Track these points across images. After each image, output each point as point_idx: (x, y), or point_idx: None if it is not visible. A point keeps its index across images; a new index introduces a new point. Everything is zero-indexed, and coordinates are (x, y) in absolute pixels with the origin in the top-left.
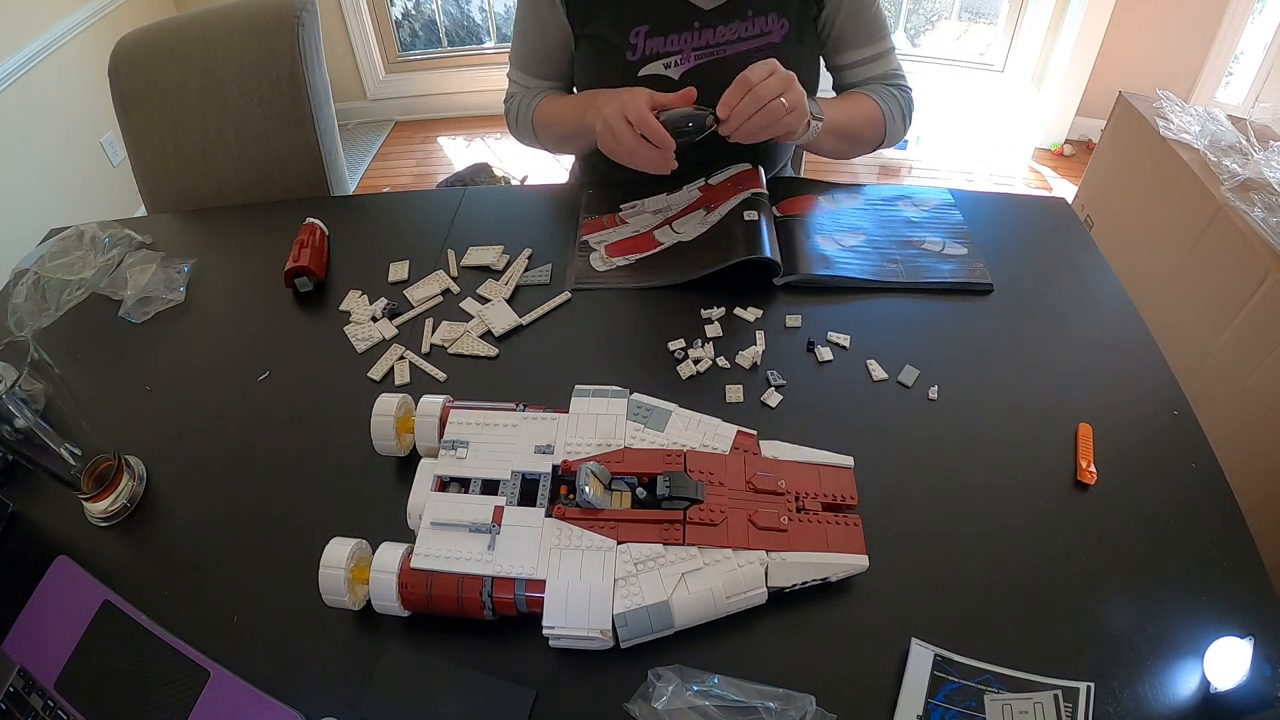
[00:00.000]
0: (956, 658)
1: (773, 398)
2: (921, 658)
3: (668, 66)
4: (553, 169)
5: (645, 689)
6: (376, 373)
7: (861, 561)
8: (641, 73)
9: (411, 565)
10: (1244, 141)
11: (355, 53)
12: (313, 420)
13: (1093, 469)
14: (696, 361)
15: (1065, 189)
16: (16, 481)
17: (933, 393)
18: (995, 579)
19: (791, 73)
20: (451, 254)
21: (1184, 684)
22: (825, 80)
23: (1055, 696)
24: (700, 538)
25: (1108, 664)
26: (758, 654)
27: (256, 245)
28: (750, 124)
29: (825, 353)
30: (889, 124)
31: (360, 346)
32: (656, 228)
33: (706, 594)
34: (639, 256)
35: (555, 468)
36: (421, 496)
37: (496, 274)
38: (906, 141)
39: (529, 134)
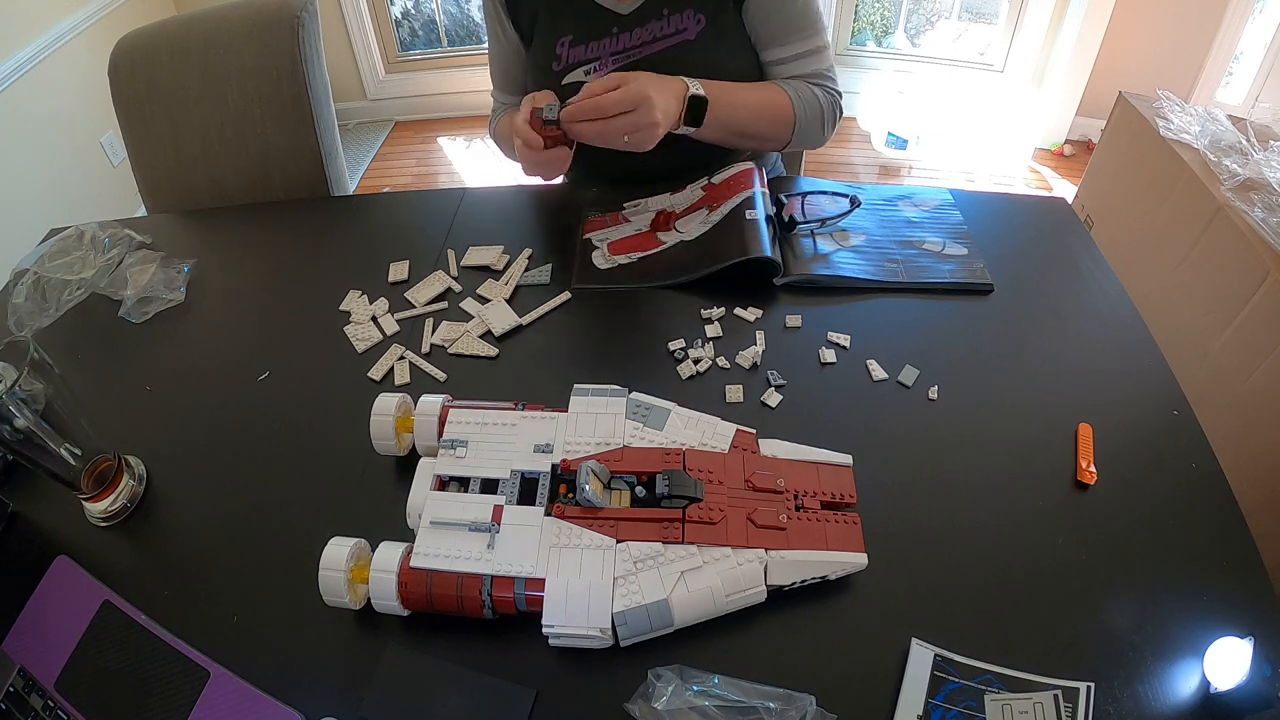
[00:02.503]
0: (956, 658)
1: (773, 398)
2: (921, 658)
3: (588, 73)
4: None
5: (645, 689)
6: (376, 373)
7: (860, 559)
8: (565, 81)
9: (411, 564)
10: (1244, 141)
11: (355, 53)
12: (313, 420)
13: (1093, 469)
14: (696, 361)
15: (1065, 189)
16: (16, 481)
17: (933, 393)
18: (995, 579)
19: (646, 93)
20: (451, 254)
21: (1184, 684)
22: None
23: (1055, 696)
24: (699, 536)
25: (1108, 664)
26: (758, 654)
27: (256, 245)
28: (582, 129)
29: (828, 354)
30: (800, 123)
31: (360, 346)
32: (659, 228)
33: (706, 592)
34: (641, 255)
35: (554, 467)
36: (421, 495)
37: (496, 274)
38: (906, 141)
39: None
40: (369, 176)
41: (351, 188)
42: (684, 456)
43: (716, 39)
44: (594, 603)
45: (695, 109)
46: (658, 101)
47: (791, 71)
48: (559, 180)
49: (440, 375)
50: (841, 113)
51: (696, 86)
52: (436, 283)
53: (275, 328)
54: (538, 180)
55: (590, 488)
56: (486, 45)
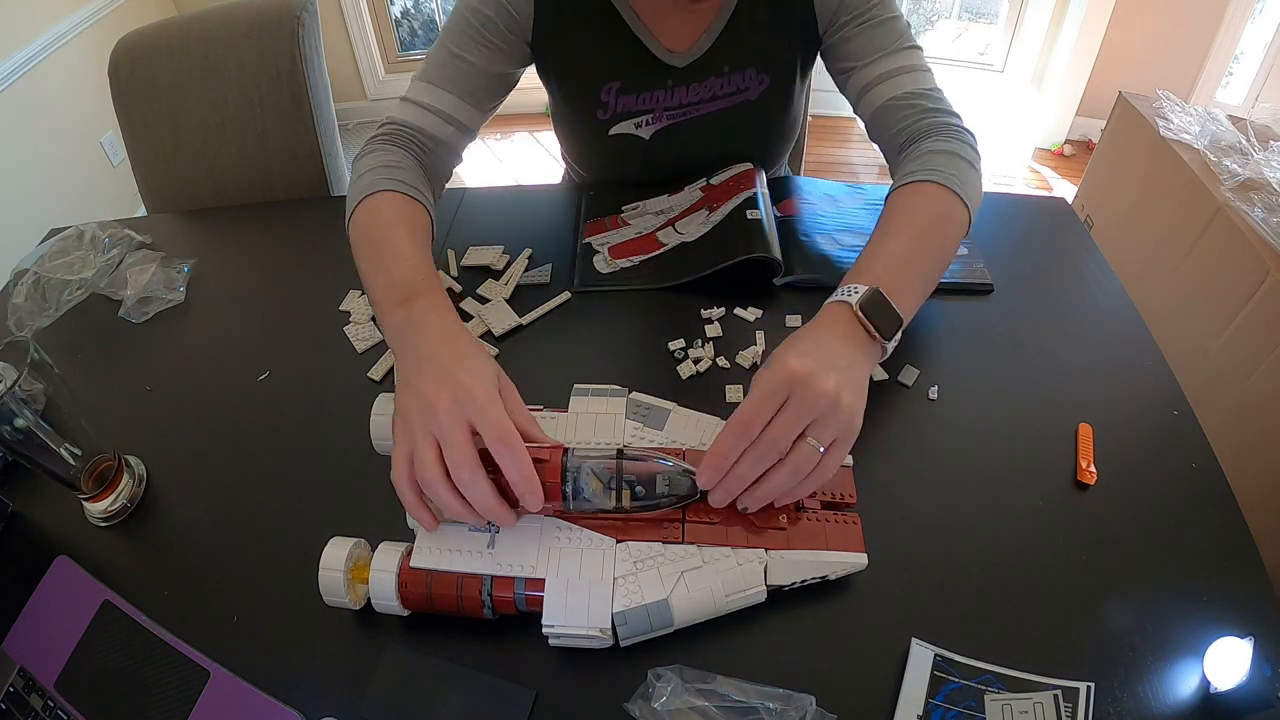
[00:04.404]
0: (956, 658)
1: None
2: (921, 658)
3: (639, 126)
4: (550, 170)
5: (645, 689)
6: (376, 373)
7: (860, 559)
8: (612, 132)
9: (411, 564)
10: (1244, 141)
11: (355, 53)
12: (313, 420)
13: (1093, 469)
14: (696, 361)
15: (1065, 189)
16: (16, 481)
17: (933, 393)
18: (995, 579)
19: (832, 383)
20: (451, 254)
21: (1184, 684)
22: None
23: (1055, 696)
24: (699, 536)
25: (1108, 664)
26: (758, 654)
27: (256, 245)
28: (754, 495)
29: None
30: (969, 204)
31: (360, 346)
32: (659, 229)
33: (706, 592)
34: (643, 258)
35: None
36: None
37: (496, 274)
38: None
39: (351, 230)
40: None
41: None
42: (684, 456)
43: (781, 99)
44: (594, 603)
45: (885, 322)
46: (847, 404)
47: (884, 95)
48: (558, 181)
49: None
50: (977, 142)
51: (858, 294)
52: None
53: (275, 328)
54: (538, 180)
55: (590, 488)
56: (450, 40)
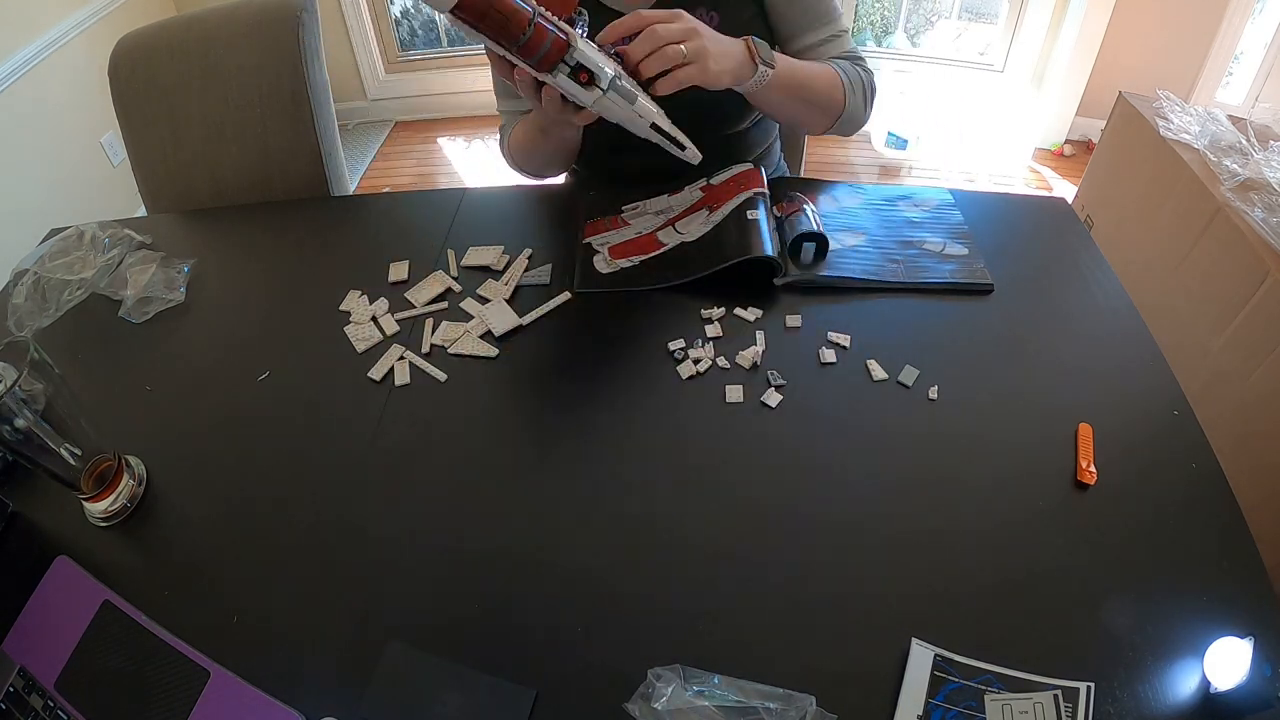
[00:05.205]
0: (956, 658)
1: (773, 398)
2: (921, 658)
3: None
4: None
5: (645, 689)
6: (376, 373)
7: None
8: None
9: None
10: (1244, 141)
11: (355, 53)
12: (313, 420)
13: (1093, 469)
14: (696, 361)
15: (1065, 189)
16: (16, 481)
17: (933, 393)
18: (995, 579)
19: (696, 24)
20: (451, 254)
21: (1184, 684)
22: None
23: (1055, 696)
24: None
25: (1108, 664)
26: (758, 654)
27: (256, 245)
28: (646, 64)
29: (828, 354)
30: (849, 94)
31: (360, 346)
32: (659, 229)
33: None
34: (643, 258)
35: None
36: None
37: (496, 274)
38: (906, 141)
39: (513, 163)
40: (369, 176)
41: (351, 188)
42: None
43: (731, 38)
44: None
45: (762, 50)
46: (705, 34)
47: (821, 56)
48: (560, 180)
49: (440, 375)
50: (875, 92)
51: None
52: (436, 283)
53: (275, 328)
54: (537, 180)
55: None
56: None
